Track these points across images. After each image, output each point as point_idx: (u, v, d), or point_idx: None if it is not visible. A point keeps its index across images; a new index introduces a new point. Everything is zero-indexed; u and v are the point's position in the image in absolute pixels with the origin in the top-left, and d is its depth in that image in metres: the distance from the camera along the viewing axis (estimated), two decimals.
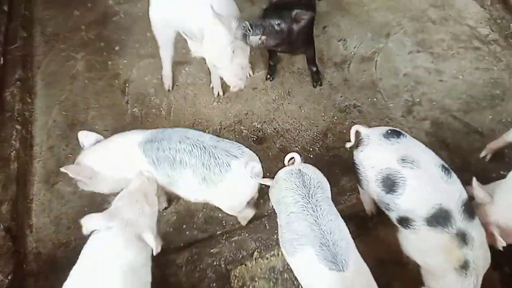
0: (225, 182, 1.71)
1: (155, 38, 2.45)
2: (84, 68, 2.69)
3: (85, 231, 1.49)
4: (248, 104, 2.58)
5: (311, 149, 2.37)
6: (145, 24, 2.90)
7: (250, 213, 2.03)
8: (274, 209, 2.11)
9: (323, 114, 2.50)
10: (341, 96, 2.57)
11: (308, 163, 2.20)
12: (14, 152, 2.23)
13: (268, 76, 2.66)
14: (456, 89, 2.55)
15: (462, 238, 1.50)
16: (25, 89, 2.53)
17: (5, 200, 2.04)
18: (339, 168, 2.26)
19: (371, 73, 2.67)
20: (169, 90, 2.62)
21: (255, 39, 1.99)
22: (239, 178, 1.72)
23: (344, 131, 2.42)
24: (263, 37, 2.01)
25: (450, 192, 1.56)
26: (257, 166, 1.74)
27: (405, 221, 1.62)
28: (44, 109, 2.53)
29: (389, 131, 1.69)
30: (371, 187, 1.71)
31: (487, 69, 2.65)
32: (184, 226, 2.13)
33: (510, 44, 2.75)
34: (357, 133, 1.81)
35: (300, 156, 1.71)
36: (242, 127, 2.48)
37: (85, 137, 1.84)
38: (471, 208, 1.58)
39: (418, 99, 2.53)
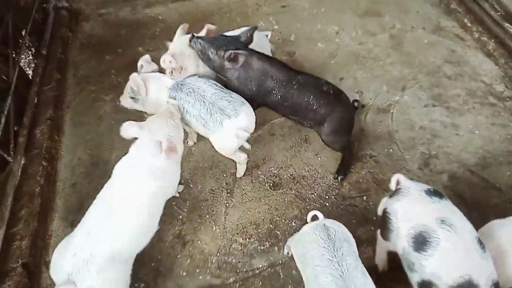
0: (217, 134, 2.16)
1: None
2: (111, 110, 2.82)
3: (124, 135, 1.92)
4: (266, 150, 2.63)
5: (326, 197, 2.38)
6: None
7: (243, 156, 2.37)
8: (288, 258, 2.11)
9: (339, 162, 2.54)
10: (357, 146, 2.61)
11: (323, 212, 2.23)
12: (38, 188, 2.30)
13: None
14: (473, 144, 2.58)
15: None
16: (54, 128, 2.65)
17: (26, 235, 2.09)
18: (355, 218, 2.26)
19: (388, 125, 2.73)
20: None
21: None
22: (229, 134, 2.14)
23: (361, 180, 2.44)
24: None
25: (483, 267, 1.49)
26: (244, 133, 2.14)
27: (427, 286, 1.55)
28: (70, 147, 2.63)
29: (431, 190, 1.68)
30: (399, 241, 1.67)
31: (504, 125, 2.68)
32: (197, 270, 2.12)
33: None
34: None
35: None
36: (259, 172, 2.52)
37: (146, 62, 2.32)
38: None
39: (435, 152, 2.56)
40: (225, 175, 2.52)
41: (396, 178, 1.77)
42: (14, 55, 2.53)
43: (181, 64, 2.24)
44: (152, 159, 1.89)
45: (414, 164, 2.51)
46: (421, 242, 1.56)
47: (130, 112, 2.80)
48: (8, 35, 2.45)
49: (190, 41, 2.21)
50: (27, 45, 2.94)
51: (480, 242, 1.54)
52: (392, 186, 1.79)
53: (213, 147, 2.63)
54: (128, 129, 1.90)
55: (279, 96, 2.20)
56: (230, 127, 2.11)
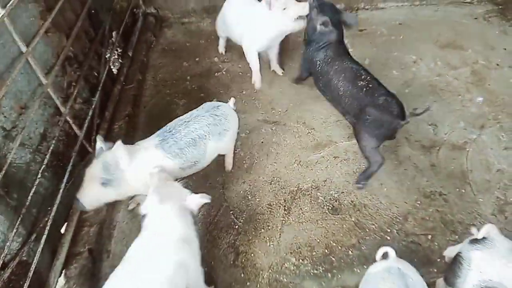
0: (230, 128, 2.29)
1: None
2: (183, 113, 2.92)
3: (142, 210, 1.75)
4: (328, 172, 2.60)
5: (388, 230, 2.28)
6: (242, 83, 3.18)
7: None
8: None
9: (405, 196, 2.43)
10: (426, 181, 2.49)
11: (385, 245, 2.13)
12: None
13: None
14: None
15: None
16: (130, 125, 2.82)
17: (95, 223, 2.21)
18: (418, 257, 2.14)
19: (461, 163, 2.57)
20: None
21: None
22: (234, 116, 2.35)
23: (427, 218, 2.32)
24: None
25: None
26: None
27: None
28: None
29: None
30: None
31: None
32: (248, 283, 2.12)
33: None
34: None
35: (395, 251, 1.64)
36: (318, 193, 2.49)
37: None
38: None
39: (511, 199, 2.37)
40: (284, 192, 2.51)
41: (488, 229, 1.64)
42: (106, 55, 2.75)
43: None
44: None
45: (488, 209, 2.34)
46: None
47: None
48: (105, 36, 2.67)
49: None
50: (116, 45, 3.18)
51: None
52: (481, 234, 1.64)
53: (275, 162, 2.66)
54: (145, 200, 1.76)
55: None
56: (230, 107, 2.36)
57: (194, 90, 3.12)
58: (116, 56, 3.39)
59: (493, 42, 3.46)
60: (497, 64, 3.25)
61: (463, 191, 2.44)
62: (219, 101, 2.41)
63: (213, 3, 3.71)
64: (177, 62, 3.36)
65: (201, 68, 3.30)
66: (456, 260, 1.65)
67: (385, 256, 1.67)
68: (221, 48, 3.41)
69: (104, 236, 2.28)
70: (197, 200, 1.78)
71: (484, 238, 1.62)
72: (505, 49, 3.39)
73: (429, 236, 2.23)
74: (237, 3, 2.99)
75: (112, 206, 2.40)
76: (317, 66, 2.60)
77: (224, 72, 3.28)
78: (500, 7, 3.81)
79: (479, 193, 2.42)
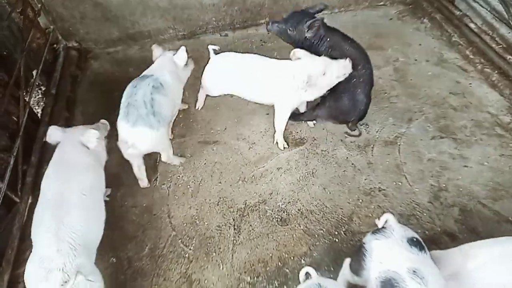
0: None
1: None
2: (118, 146, 2.83)
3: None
4: (273, 184, 2.61)
5: (336, 232, 2.33)
6: None
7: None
8: None
9: (347, 196, 2.51)
10: (365, 179, 2.59)
11: (333, 249, 2.18)
12: None
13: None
14: (483, 176, 2.54)
15: None
16: None
17: None
18: None
19: (395, 157, 2.71)
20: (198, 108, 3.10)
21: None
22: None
23: (370, 215, 2.40)
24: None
25: None
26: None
27: None
28: None
29: (415, 239, 1.63)
30: (369, 283, 1.64)
31: None
32: None
33: None
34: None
35: (317, 271, 1.70)
36: (266, 207, 2.49)
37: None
38: None
39: (444, 185, 2.52)
40: (232, 211, 2.49)
41: (386, 218, 1.74)
42: (24, 97, 2.58)
43: None
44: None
45: (424, 198, 2.47)
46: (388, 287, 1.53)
47: None
48: (20, 77, 2.51)
49: (267, 26, 2.65)
50: (37, 84, 3.01)
51: None
52: (380, 224, 1.74)
53: (220, 182, 2.63)
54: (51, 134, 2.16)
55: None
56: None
57: None
58: (40, 96, 3.23)
59: (409, 39, 3.72)
60: (415, 59, 3.49)
61: (400, 183, 2.56)
62: None
63: (137, 29, 3.66)
64: (107, 93, 3.23)
65: None
66: (361, 251, 1.70)
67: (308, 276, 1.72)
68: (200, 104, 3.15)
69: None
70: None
71: (383, 228, 1.70)
72: (420, 44, 3.66)
73: None
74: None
75: None
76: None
77: None
78: (410, 6, 4.12)
79: (415, 183, 2.56)
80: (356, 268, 1.74)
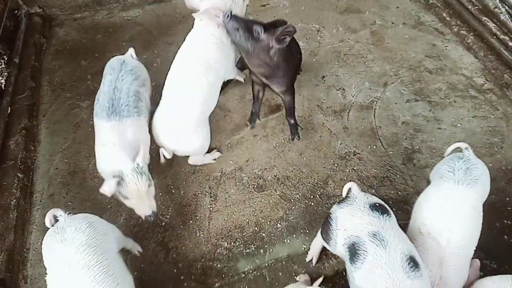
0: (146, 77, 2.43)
1: None
2: (89, 116, 2.74)
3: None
4: (249, 151, 2.59)
5: (311, 196, 2.35)
6: (149, 74, 3.01)
7: None
8: (274, 260, 2.08)
9: (323, 161, 2.51)
10: (341, 144, 2.59)
11: (308, 212, 2.21)
12: (14, 200, 2.22)
13: (248, 124, 2.70)
14: (456, 137, 2.58)
15: None
16: (29, 138, 2.56)
17: (2, 250, 2.01)
18: None
19: (370, 121, 2.71)
20: None
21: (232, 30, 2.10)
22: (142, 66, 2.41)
23: (345, 178, 2.42)
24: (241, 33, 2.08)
25: (405, 287, 1.45)
26: None
27: None
28: (47, 157, 2.55)
29: (377, 204, 1.65)
30: (337, 249, 1.68)
31: (485, 117, 2.69)
32: (182, 277, 2.07)
33: (505, 93, 2.81)
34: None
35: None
36: (243, 174, 2.48)
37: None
38: None
39: (418, 147, 2.55)
40: (208, 179, 2.47)
41: (349, 186, 1.76)
42: None
43: None
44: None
45: (398, 160, 2.50)
46: (352, 253, 1.57)
47: None
48: None
49: (226, 17, 2.11)
50: None
51: (413, 262, 1.49)
52: (343, 193, 1.76)
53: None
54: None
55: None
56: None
57: (97, 90, 2.89)
58: (2, 66, 3.06)
59: (386, 2, 3.65)
60: (392, 23, 3.45)
61: (375, 147, 2.57)
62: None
63: None
64: (74, 62, 3.10)
65: (102, 65, 3.00)
66: (327, 221, 1.73)
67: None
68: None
69: (16, 262, 2.07)
70: None
71: (347, 197, 1.73)
72: (398, 7, 3.60)
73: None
74: None
75: (21, 229, 2.19)
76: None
77: None
78: None
79: (389, 146, 2.58)
80: (325, 238, 1.77)
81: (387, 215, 1.62)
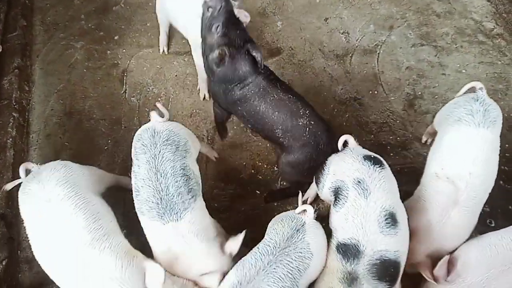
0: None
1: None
2: (83, 57, 2.67)
3: None
4: None
5: None
6: (145, 14, 2.91)
7: None
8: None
9: (323, 106, 2.46)
10: (341, 89, 2.53)
11: None
12: (10, 139, 2.21)
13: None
14: (459, 83, 2.50)
15: (351, 280, 1.44)
16: (23, 77, 2.51)
17: (0, 186, 2.03)
18: None
19: (373, 66, 2.63)
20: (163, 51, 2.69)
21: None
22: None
23: (344, 123, 2.40)
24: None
25: (377, 239, 1.46)
26: None
27: (330, 236, 1.60)
28: (42, 98, 2.51)
29: (372, 157, 1.62)
30: (325, 191, 1.69)
31: (491, 63, 2.60)
32: None
33: None
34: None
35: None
36: None
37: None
38: (387, 270, 1.47)
39: (420, 93, 2.49)
40: (205, 123, 2.44)
41: (344, 138, 1.70)
42: None
43: None
44: None
45: (399, 106, 2.46)
46: (335, 196, 1.58)
47: (103, 59, 2.69)
48: None
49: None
50: None
51: (392, 219, 1.48)
52: (339, 145, 1.71)
53: (193, 94, 2.55)
54: None
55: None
56: None
57: (91, 30, 2.80)
58: None
59: None
60: None
61: (376, 92, 2.52)
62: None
63: None
64: (67, 0, 2.96)
65: (95, 4, 2.94)
66: (321, 167, 1.72)
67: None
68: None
69: (16, 199, 2.10)
70: None
71: (345, 148, 1.70)
72: None
73: None
74: None
75: (18, 167, 2.20)
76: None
77: (123, 5, 2.94)
78: None
79: (391, 92, 2.52)
80: (316, 181, 1.76)
81: (379, 166, 1.59)
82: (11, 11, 2.71)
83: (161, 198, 1.53)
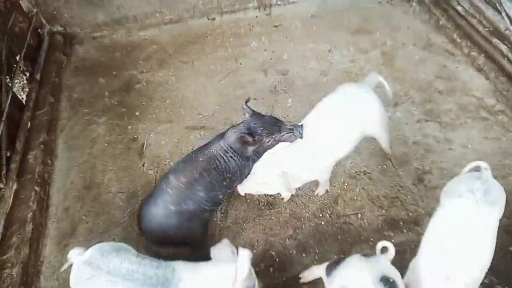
0: None
1: None
2: (105, 132, 2.83)
3: None
4: None
5: (321, 215, 2.36)
6: (165, 91, 3.12)
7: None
8: (284, 279, 2.08)
9: (333, 180, 2.52)
10: (351, 163, 2.61)
11: (318, 231, 2.21)
12: (30, 213, 2.27)
13: None
14: (466, 158, 2.57)
15: None
16: (47, 152, 2.64)
17: (17, 263, 2.05)
18: (350, 236, 2.24)
19: None
20: None
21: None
22: None
23: (355, 197, 2.43)
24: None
25: None
26: None
27: None
28: (63, 171, 2.62)
29: (391, 280, 1.52)
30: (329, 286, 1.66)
31: (496, 138, 2.68)
32: None
33: None
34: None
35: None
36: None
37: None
38: None
39: (429, 168, 2.55)
40: None
41: (384, 245, 1.65)
42: (8, 81, 2.54)
43: None
44: None
45: (408, 180, 2.50)
46: None
47: (124, 133, 2.85)
48: (2, 62, 2.47)
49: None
50: (21, 69, 2.96)
51: None
52: (377, 250, 1.66)
53: None
54: None
55: None
56: None
57: (114, 106, 3.00)
58: (24, 82, 3.18)
59: (397, 23, 3.71)
60: (403, 43, 3.49)
61: (385, 166, 2.58)
62: None
63: (123, 13, 3.60)
64: (92, 79, 3.21)
65: (119, 82, 3.18)
66: (339, 260, 1.69)
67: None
68: None
69: (30, 275, 2.12)
70: None
71: (373, 255, 1.65)
72: (408, 28, 3.65)
73: (359, 215, 2.34)
74: None
75: (36, 242, 2.25)
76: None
77: (144, 84, 3.19)
78: None
79: (399, 166, 2.58)
80: (327, 272, 1.73)
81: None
82: (42, 89, 2.93)
83: None
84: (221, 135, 2.13)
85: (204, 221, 2.11)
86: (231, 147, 2.05)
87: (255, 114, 2.14)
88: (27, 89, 2.99)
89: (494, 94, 2.98)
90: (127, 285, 1.50)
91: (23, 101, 2.85)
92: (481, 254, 1.63)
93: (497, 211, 1.71)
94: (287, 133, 2.06)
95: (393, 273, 1.56)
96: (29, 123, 2.65)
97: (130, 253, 1.63)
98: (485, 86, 3.04)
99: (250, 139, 2.02)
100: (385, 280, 1.50)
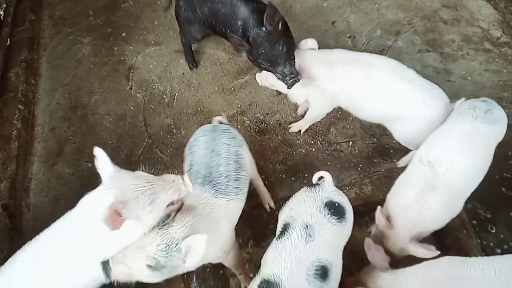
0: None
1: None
2: (90, 53, 2.70)
3: None
4: (252, 96, 2.55)
5: (312, 142, 2.34)
6: (153, 12, 2.93)
7: None
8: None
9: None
10: None
11: (309, 157, 2.19)
12: (15, 131, 2.24)
13: (191, 66, 2.65)
14: (464, 90, 2.50)
15: None
16: (30, 71, 2.54)
17: (4, 178, 2.05)
18: (340, 163, 2.24)
19: None
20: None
21: None
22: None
23: (348, 126, 2.40)
24: None
25: (297, 284, 1.37)
26: None
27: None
28: (48, 91, 2.54)
29: (336, 205, 1.52)
30: (279, 223, 1.62)
31: (497, 71, 2.60)
32: None
33: None
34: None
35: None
36: (244, 118, 2.46)
37: None
38: None
39: None
40: (209, 121, 2.43)
41: (321, 174, 1.63)
42: None
43: None
44: None
45: None
46: (282, 230, 1.51)
47: (110, 55, 2.71)
48: None
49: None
50: None
51: (322, 272, 1.40)
52: (314, 179, 1.64)
53: (198, 93, 2.57)
54: None
55: None
56: None
57: (99, 26, 2.83)
58: None
59: None
60: None
61: None
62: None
63: None
64: None
65: (104, 0, 2.97)
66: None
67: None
68: None
69: (19, 190, 2.12)
70: None
71: (317, 184, 1.62)
72: None
73: (350, 143, 2.33)
74: None
75: (22, 159, 2.22)
76: None
77: (131, 2, 2.98)
78: None
79: None
80: (281, 213, 1.67)
81: (337, 218, 1.51)
82: (20, 5, 2.74)
83: (210, 172, 1.59)
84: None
85: None
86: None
87: (276, 29, 1.99)
88: (4, 5, 2.78)
89: (501, 25, 2.83)
90: None
91: (1, 17, 2.66)
92: (472, 169, 1.62)
93: (497, 130, 1.69)
94: (280, 74, 1.99)
95: (339, 198, 1.56)
96: (8, 40, 2.50)
97: None
98: (493, 16, 2.88)
99: (243, 47, 1.97)
100: (330, 204, 1.51)
